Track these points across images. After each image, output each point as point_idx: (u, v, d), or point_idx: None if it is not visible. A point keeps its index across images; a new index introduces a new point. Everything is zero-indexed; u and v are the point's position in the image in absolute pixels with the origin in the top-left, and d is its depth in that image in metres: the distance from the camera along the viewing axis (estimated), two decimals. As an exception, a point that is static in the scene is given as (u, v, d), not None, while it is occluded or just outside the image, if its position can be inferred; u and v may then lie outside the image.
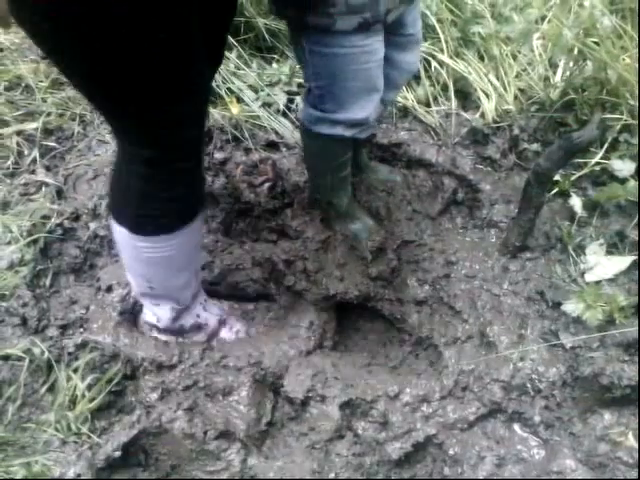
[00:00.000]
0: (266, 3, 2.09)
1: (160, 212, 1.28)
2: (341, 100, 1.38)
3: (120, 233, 1.34)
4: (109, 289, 1.67)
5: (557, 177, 1.80)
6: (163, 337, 1.60)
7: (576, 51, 1.96)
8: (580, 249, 1.72)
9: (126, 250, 1.40)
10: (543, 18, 2.14)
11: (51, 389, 1.51)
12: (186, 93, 1.11)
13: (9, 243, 1.67)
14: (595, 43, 1.88)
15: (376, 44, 1.31)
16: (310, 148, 1.61)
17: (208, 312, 1.62)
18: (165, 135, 1.14)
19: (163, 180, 1.23)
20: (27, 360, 1.50)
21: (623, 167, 1.77)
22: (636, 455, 1.42)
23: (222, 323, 1.65)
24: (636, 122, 1.81)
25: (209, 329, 1.62)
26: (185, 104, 1.13)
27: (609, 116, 1.86)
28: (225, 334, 1.65)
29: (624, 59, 1.84)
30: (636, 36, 1.84)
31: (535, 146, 1.97)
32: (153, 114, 1.10)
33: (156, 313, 1.55)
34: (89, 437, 1.44)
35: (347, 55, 1.28)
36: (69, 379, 1.50)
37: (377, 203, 1.87)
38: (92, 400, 1.48)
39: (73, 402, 1.48)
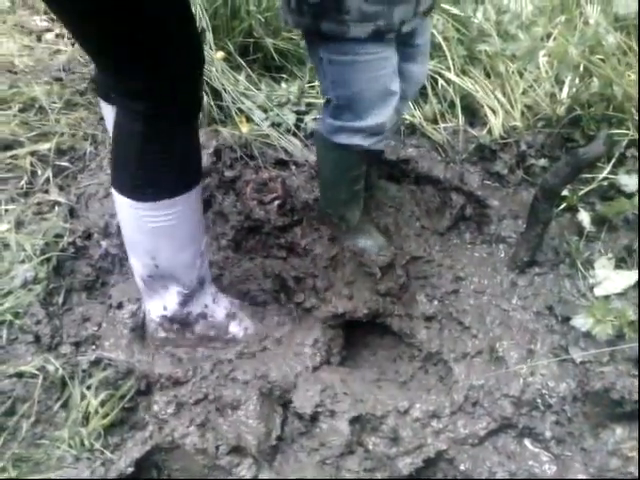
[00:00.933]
0: (279, 19, 2.11)
1: (159, 174, 1.31)
2: (358, 110, 1.40)
3: (122, 205, 1.37)
4: (120, 306, 1.68)
5: (565, 192, 1.81)
6: (170, 327, 1.59)
7: (582, 68, 1.97)
8: (589, 264, 1.72)
9: (129, 223, 1.42)
10: (549, 36, 2.16)
11: (64, 406, 1.52)
12: (182, 24, 1.17)
13: (23, 262, 1.69)
14: (600, 60, 1.90)
15: (389, 51, 1.34)
16: (326, 160, 1.63)
17: (216, 304, 1.62)
18: (163, 83, 1.19)
19: (161, 139, 1.26)
20: (41, 377, 1.51)
21: (630, 182, 1.78)
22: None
23: (231, 317, 1.66)
24: (642, 137, 1.83)
25: (215, 321, 1.62)
26: (182, 46, 1.18)
27: (616, 131, 1.87)
28: (234, 328, 1.66)
29: (629, 75, 1.86)
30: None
31: (542, 162, 1.98)
32: (138, 50, 1.14)
33: (163, 298, 1.55)
34: (102, 453, 1.45)
35: (363, 62, 1.31)
36: (82, 396, 1.51)
37: (386, 219, 1.89)
38: (105, 416, 1.49)
39: (86, 418, 1.49)
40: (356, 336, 1.80)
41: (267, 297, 1.76)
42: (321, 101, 2.15)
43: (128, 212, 1.38)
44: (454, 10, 2.19)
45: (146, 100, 1.21)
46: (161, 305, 1.56)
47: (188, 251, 1.47)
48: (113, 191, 1.38)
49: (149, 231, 1.39)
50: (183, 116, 1.29)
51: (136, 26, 1.09)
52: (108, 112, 1.58)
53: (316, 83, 2.22)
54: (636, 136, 1.84)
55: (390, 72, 1.37)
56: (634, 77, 1.85)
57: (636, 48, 1.86)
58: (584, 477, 1.42)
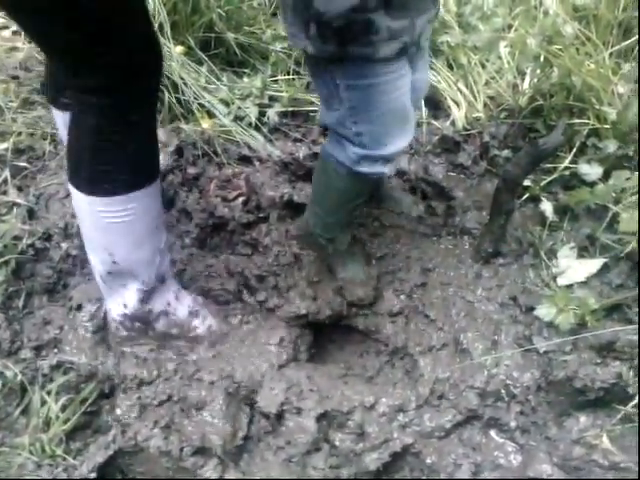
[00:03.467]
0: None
1: (114, 169, 1.31)
2: (380, 135, 1.34)
3: (78, 200, 1.36)
4: (79, 307, 1.65)
5: (528, 182, 1.82)
6: (131, 325, 1.57)
7: (542, 58, 1.98)
8: (552, 253, 1.73)
9: (85, 218, 1.41)
10: (510, 27, 2.16)
11: (25, 412, 1.49)
12: (134, 17, 1.17)
13: (-20, 265, 1.66)
14: (559, 50, 1.90)
15: (405, 69, 1.29)
16: (337, 187, 1.53)
17: (179, 302, 1.61)
18: (118, 75, 1.18)
19: (116, 133, 1.26)
20: (0, 384, 1.48)
21: (591, 171, 1.79)
22: (611, 457, 1.43)
23: (194, 314, 1.63)
24: (603, 126, 1.83)
25: (177, 319, 1.60)
26: (134, 30, 1.18)
27: (577, 121, 1.88)
28: (197, 326, 1.64)
29: (589, 65, 1.87)
30: (600, 43, 1.88)
31: (505, 152, 1.99)
32: (103, 44, 1.13)
33: (123, 296, 1.53)
34: (64, 459, 1.43)
35: (382, 84, 1.25)
36: (43, 401, 1.49)
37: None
38: (66, 421, 1.47)
39: (47, 424, 1.47)
40: (322, 331, 1.80)
41: (230, 297, 1.74)
42: (284, 94, 2.13)
43: (84, 208, 1.37)
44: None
45: (100, 94, 1.20)
46: (121, 303, 1.54)
47: (146, 248, 1.46)
48: (70, 187, 1.37)
49: (105, 227, 1.38)
50: (138, 110, 1.28)
51: (88, 21, 1.08)
52: (59, 117, 1.57)
53: (279, 77, 2.21)
54: (597, 125, 1.85)
55: (407, 91, 1.31)
56: (593, 67, 1.86)
57: (595, 38, 1.87)
58: (549, 466, 1.43)
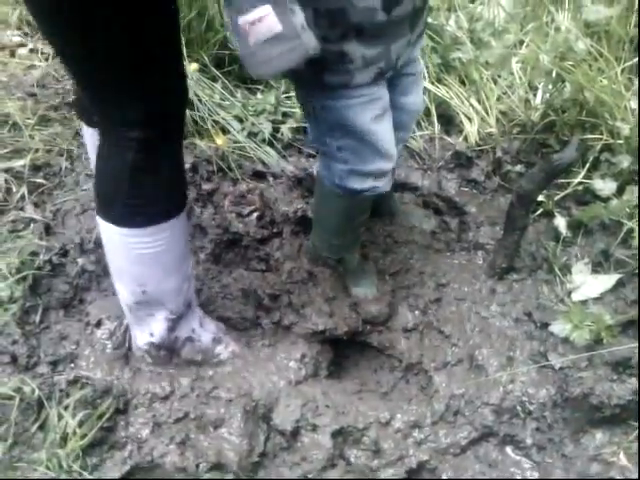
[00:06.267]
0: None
1: (148, 201, 1.32)
2: (359, 151, 1.36)
3: (109, 232, 1.36)
4: (98, 324, 1.66)
5: (541, 197, 1.83)
6: (157, 354, 1.58)
7: (554, 74, 1.99)
8: (566, 269, 1.73)
9: (116, 251, 1.41)
10: (521, 43, 2.18)
11: (42, 427, 1.50)
12: (171, 54, 1.19)
13: (-3, 281, 1.67)
14: (571, 66, 1.91)
15: (381, 91, 1.31)
16: (335, 208, 1.56)
17: (204, 329, 1.62)
18: (161, 111, 1.21)
19: (152, 166, 1.27)
20: (17, 399, 1.49)
21: (604, 187, 1.79)
22: (628, 474, 1.42)
23: (217, 341, 1.65)
24: (617, 141, 1.84)
25: (202, 345, 1.61)
26: (171, 66, 1.20)
27: (589, 136, 1.89)
28: (220, 353, 1.65)
29: (601, 81, 1.87)
30: (612, 59, 1.88)
31: (518, 167, 2.00)
32: (140, 79, 1.16)
33: (150, 325, 1.54)
34: (80, 474, 1.43)
35: (357, 105, 1.27)
36: (60, 416, 1.49)
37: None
38: (83, 437, 1.47)
39: (64, 439, 1.47)
40: (337, 347, 1.80)
41: (247, 324, 1.74)
42: (298, 110, 2.15)
43: (115, 239, 1.38)
44: (427, 19, 2.20)
45: (142, 128, 1.21)
46: (148, 332, 1.55)
47: (176, 276, 1.47)
48: (99, 219, 1.37)
49: (137, 258, 1.39)
50: (173, 142, 1.31)
51: (139, 60, 1.12)
52: (89, 135, 1.58)
53: (292, 93, 2.22)
54: (610, 140, 1.85)
55: (382, 114, 1.33)
56: (606, 82, 1.86)
57: (607, 54, 1.88)
58: (565, 483, 1.43)
